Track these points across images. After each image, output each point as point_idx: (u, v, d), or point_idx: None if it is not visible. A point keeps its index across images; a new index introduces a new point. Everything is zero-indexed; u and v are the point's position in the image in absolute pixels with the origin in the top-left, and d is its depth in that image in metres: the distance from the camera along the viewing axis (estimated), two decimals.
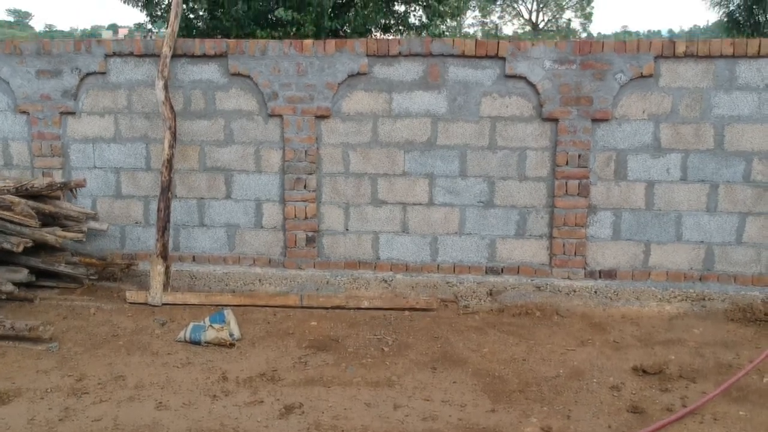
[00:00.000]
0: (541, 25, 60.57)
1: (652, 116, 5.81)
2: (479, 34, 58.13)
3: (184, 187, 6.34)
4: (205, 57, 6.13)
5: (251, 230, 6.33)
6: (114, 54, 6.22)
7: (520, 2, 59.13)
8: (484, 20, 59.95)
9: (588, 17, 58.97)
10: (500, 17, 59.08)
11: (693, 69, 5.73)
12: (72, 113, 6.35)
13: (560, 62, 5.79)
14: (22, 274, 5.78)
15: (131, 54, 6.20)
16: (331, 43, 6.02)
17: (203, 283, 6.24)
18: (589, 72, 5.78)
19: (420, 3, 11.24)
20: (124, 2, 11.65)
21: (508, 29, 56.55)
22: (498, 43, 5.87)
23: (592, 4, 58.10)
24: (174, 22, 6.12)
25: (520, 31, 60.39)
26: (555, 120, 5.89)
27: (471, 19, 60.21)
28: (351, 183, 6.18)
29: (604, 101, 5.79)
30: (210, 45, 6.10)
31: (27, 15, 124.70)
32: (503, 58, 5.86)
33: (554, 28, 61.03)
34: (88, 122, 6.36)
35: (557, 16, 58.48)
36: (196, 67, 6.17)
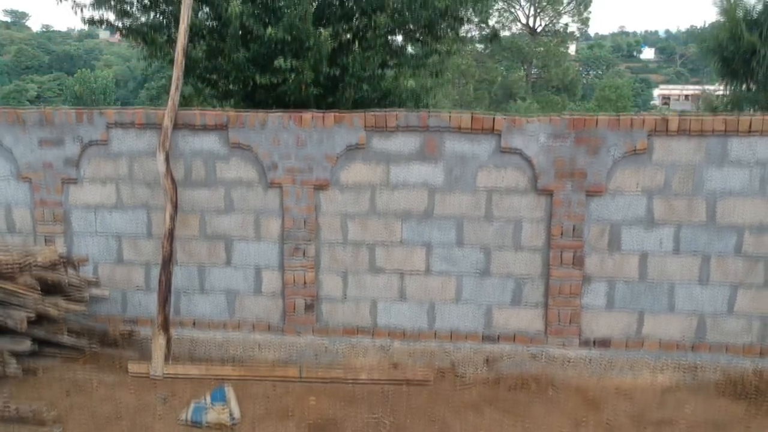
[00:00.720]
0: (538, 30, 60.70)
1: (645, 190, 5.92)
2: (476, 36, 57.86)
3: (185, 254, 6.43)
4: (205, 128, 6.22)
5: (251, 296, 6.43)
6: (115, 124, 6.30)
7: (518, 7, 59.22)
8: (482, 25, 59.75)
9: (585, 22, 59.10)
10: (497, 22, 59.11)
11: (686, 145, 5.83)
12: (74, 181, 6.43)
13: (555, 137, 5.89)
14: (25, 345, 5.87)
15: (132, 124, 6.29)
16: (330, 116, 6.11)
17: (203, 350, 6.34)
18: (583, 147, 5.88)
19: (416, 39, 11.32)
20: (123, 37, 11.68)
21: (505, 32, 56.59)
22: (494, 118, 5.97)
23: (590, 9, 58.21)
24: (175, 94, 6.20)
25: (517, 32, 60.49)
26: (550, 192, 5.99)
27: (467, 23, 59.91)
28: (349, 251, 6.27)
29: (598, 175, 5.90)
30: (211, 117, 6.19)
31: (24, 15, 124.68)
32: (499, 132, 5.96)
33: (551, 32, 61.13)
34: (89, 190, 6.45)
35: (554, 20, 58.61)
36: (197, 137, 6.26)
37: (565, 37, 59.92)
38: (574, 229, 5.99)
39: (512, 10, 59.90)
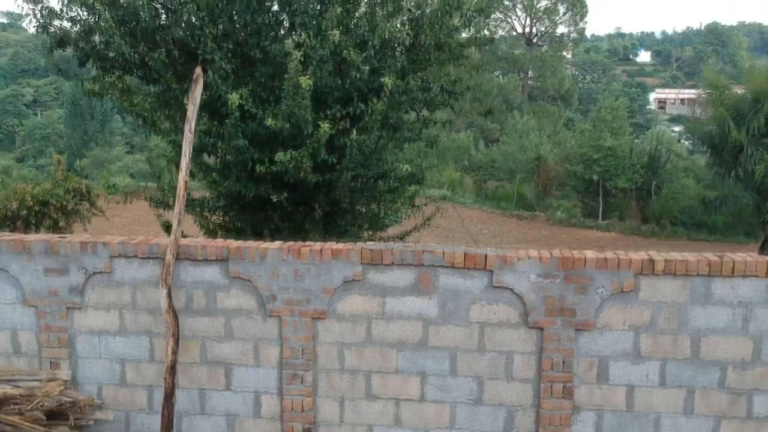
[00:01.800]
0: (534, 39, 60.86)
1: (632, 326, 6.13)
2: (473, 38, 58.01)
3: (186, 378, 6.62)
4: (207, 260, 6.41)
5: (250, 420, 6.63)
6: (119, 255, 6.49)
7: (514, 17, 59.43)
8: (478, 35, 59.95)
9: (581, 33, 59.30)
10: (493, 32, 59.26)
11: (671, 285, 6.04)
12: (78, 307, 6.62)
13: (544, 276, 6.09)
14: None
15: (135, 256, 6.47)
16: (328, 250, 6.30)
17: None
18: (572, 286, 6.08)
19: (412, 109, 11.51)
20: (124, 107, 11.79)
21: (502, 45, 56.76)
22: (485, 256, 6.16)
23: (586, 20, 58.45)
24: (177, 230, 6.39)
25: (512, 34, 60.59)
26: (540, 328, 6.19)
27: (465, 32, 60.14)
28: (346, 379, 6.47)
29: (587, 313, 6.10)
30: (212, 251, 6.37)
31: (20, 17, 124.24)
32: (491, 269, 6.15)
33: (548, 41, 61.24)
34: (93, 316, 6.64)
35: (550, 30, 58.83)
36: (198, 269, 6.45)
37: (561, 46, 60.08)
38: (563, 363, 6.20)
39: (509, 20, 60.09)
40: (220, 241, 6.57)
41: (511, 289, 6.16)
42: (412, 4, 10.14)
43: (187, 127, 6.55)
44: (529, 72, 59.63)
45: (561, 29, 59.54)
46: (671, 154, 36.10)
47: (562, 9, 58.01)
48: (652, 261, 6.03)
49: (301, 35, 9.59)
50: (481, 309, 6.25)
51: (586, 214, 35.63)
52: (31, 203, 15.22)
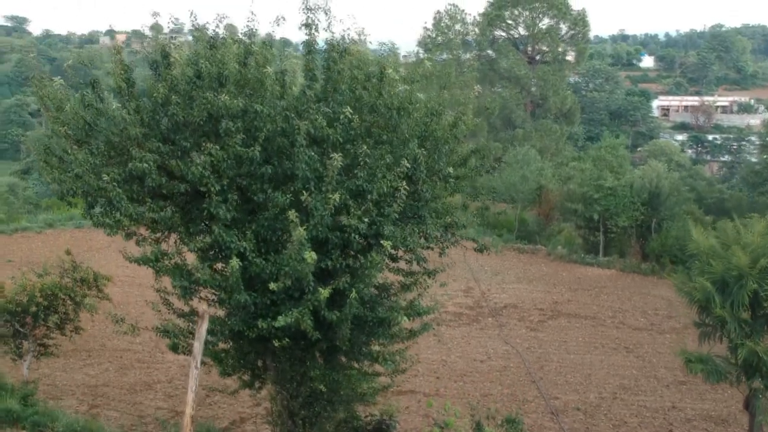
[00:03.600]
0: (537, 58, 61.06)
1: None
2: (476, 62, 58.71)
3: None
4: None
5: None
6: None
7: (516, 36, 59.65)
8: (481, 53, 60.59)
9: (582, 52, 59.39)
10: (496, 50, 59.62)
11: None
12: None
13: None
14: None
15: None
16: None
17: None
18: None
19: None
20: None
21: (504, 63, 57.02)
22: None
23: (588, 38, 58.54)
24: None
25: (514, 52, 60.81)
26: None
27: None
28: None
29: None
30: None
31: (24, 21, 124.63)
32: None
33: (550, 59, 61.40)
34: None
35: (552, 49, 58.94)
36: None
37: (563, 65, 60.25)
38: None
39: (510, 37, 60.37)
40: None
41: None
42: (408, 158, 10.40)
43: (192, 364, 6.90)
44: (532, 88, 59.81)
45: (563, 47, 59.67)
46: (673, 173, 36.11)
47: (564, 27, 58.13)
48: None
49: (302, 192, 9.90)
50: None
51: (587, 250, 35.87)
52: (40, 299, 15.58)
